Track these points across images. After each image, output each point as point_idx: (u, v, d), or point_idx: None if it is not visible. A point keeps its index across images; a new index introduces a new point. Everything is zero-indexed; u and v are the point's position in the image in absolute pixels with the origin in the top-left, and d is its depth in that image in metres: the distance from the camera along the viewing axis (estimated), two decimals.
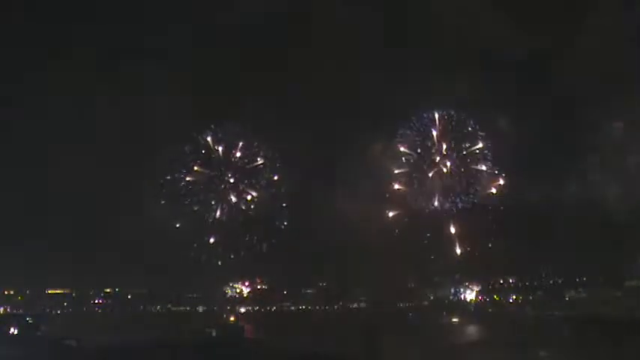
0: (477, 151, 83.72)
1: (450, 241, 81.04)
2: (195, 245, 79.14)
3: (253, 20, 72.88)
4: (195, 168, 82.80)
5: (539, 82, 74.66)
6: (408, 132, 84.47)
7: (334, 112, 75.67)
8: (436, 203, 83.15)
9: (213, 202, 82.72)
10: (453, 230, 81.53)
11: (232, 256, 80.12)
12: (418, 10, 73.74)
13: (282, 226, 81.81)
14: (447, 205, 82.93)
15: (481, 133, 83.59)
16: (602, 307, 72.79)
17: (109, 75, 72.37)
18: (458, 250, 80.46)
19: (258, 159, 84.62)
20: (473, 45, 72.73)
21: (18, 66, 72.39)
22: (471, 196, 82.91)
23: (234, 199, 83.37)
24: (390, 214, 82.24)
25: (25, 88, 72.14)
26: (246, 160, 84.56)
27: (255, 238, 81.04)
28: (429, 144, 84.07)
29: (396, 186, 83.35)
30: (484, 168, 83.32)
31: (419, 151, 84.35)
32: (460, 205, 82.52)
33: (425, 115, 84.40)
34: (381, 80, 74.60)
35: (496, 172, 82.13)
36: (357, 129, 75.07)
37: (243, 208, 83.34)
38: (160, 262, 73.54)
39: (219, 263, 79.69)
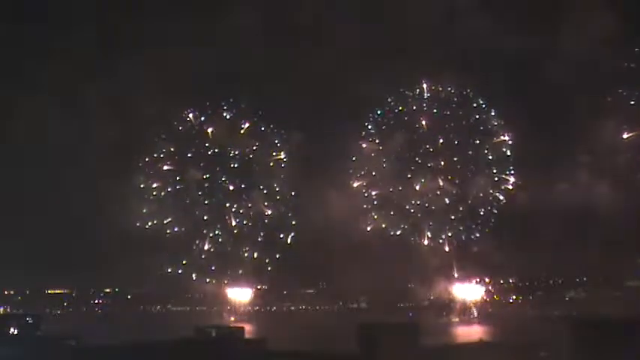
0: (487, 150, 61.04)
1: (446, 260, 68.43)
2: (184, 262, 68.95)
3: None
4: (165, 167, 64.34)
5: (535, 82, 74.41)
6: (384, 120, 60.82)
7: (328, 113, 70.96)
8: (426, 241, 63.65)
9: (205, 218, 65.79)
10: (447, 249, 67.42)
11: (229, 272, 72.34)
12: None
13: (289, 240, 68.41)
14: (444, 237, 63.26)
15: (497, 122, 60.90)
16: (602, 307, 72.72)
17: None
18: (455, 274, 69.40)
19: (278, 152, 63.99)
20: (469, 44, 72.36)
21: None
22: (481, 221, 62.86)
23: (233, 220, 65.90)
24: (368, 227, 66.22)
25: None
26: (250, 157, 64.76)
27: (256, 254, 69.25)
28: (415, 137, 61.03)
29: (374, 192, 64.66)
30: (511, 179, 61.12)
31: (399, 149, 60.83)
32: (464, 236, 63.26)
33: (409, 93, 59.47)
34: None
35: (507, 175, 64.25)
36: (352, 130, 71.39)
37: (246, 226, 66.46)
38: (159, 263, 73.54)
39: (214, 282, 71.07)
